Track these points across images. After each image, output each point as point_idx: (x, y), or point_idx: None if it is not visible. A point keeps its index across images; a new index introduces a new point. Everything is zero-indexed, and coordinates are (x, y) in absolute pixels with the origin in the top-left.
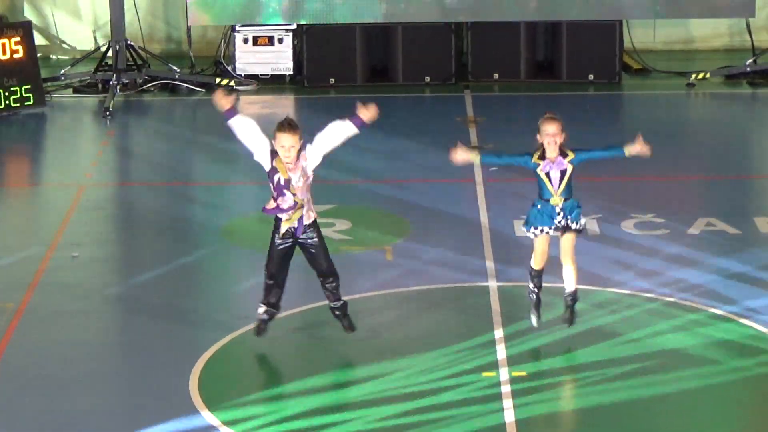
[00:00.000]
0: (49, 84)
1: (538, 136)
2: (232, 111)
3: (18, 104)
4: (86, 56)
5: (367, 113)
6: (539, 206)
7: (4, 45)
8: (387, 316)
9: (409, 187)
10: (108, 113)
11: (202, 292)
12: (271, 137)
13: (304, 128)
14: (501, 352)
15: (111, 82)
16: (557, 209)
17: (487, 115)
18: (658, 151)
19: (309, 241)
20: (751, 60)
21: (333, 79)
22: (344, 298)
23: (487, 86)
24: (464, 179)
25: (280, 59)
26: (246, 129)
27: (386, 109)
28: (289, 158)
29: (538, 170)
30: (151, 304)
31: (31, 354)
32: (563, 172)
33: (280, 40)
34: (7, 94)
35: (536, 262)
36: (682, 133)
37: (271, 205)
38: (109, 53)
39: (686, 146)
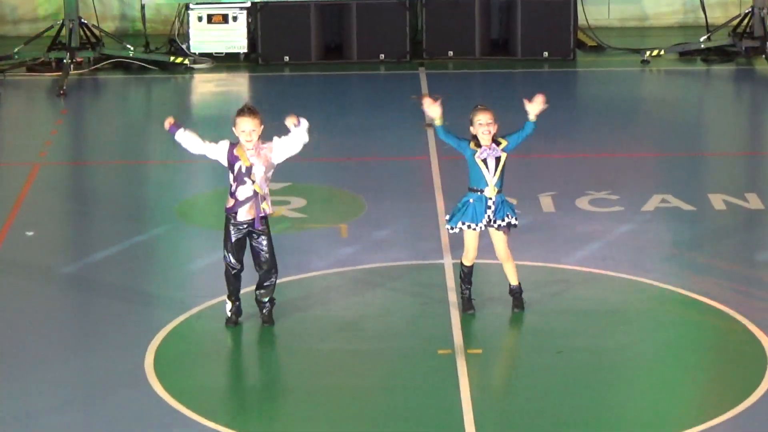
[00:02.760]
0: (2, 63)
1: (471, 128)
2: (175, 126)
3: None
4: (39, 35)
5: (293, 119)
6: (472, 200)
7: None
8: (342, 294)
9: (364, 164)
10: (62, 92)
11: (158, 270)
12: (231, 124)
13: (261, 106)
14: (457, 330)
15: (65, 61)
16: (489, 202)
17: (441, 93)
18: (613, 128)
19: (261, 235)
20: (705, 37)
21: (287, 57)
22: (299, 275)
23: (442, 64)
24: (419, 157)
25: (234, 37)
26: (193, 138)
27: (341, 86)
28: (251, 142)
29: (476, 156)
30: (106, 283)
31: None
32: (498, 159)
33: (235, 18)
34: None
35: (468, 257)
36: (636, 110)
37: (230, 202)
38: (63, 32)
39: (641, 123)
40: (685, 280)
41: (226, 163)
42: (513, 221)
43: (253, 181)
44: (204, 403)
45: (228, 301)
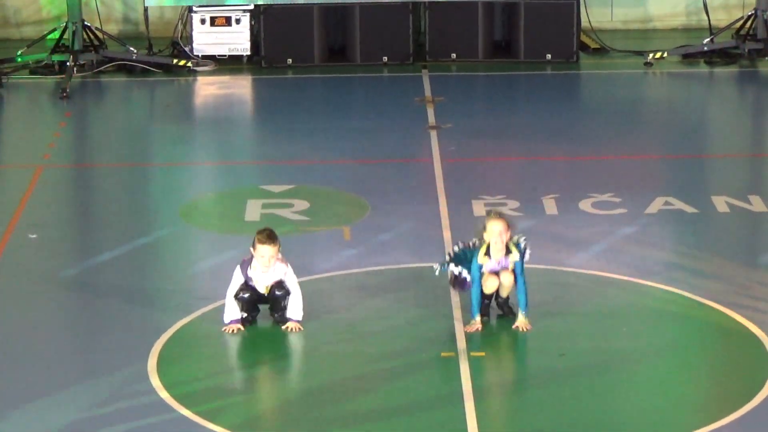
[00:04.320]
0: (5, 65)
1: (484, 234)
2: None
3: None
4: (43, 37)
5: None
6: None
7: None
8: (345, 296)
9: (368, 167)
10: (65, 94)
11: (161, 273)
12: (251, 246)
13: (265, 109)
14: (460, 333)
15: (68, 64)
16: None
17: (444, 95)
18: (616, 131)
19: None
20: (708, 39)
21: (290, 60)
22: (302, 278)
23: (445, 66)
24: (422, 159)
25: (237, 40)
26: (232, 299)
27: (344, 89)
28: (267, 267)
29: (483, 270)
30: (109, 285)
31: None
32: (504, 268)
33: (238, 21)
34: None
35: (486, 287)
36: (639, 113)
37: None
38: (66, 34)
39: (644, 125)
40: (688, 283)
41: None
42: (511, 266)
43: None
44: (207, 406)
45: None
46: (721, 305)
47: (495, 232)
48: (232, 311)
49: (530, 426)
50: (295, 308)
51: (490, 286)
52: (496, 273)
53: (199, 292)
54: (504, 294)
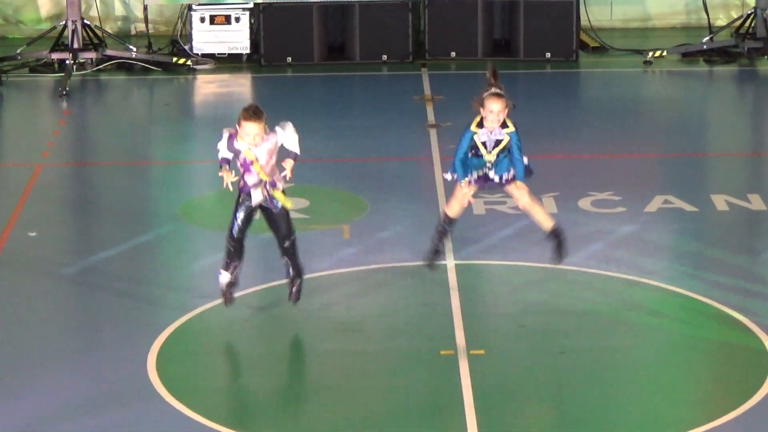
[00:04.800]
0: (4, 64)
1: (481, 109)
2: (225, 161)
3: None
4: (42, 35)
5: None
6: (469, 155)
7: None
8: (345, 294)
9: (367, 165)
10: (64, 93)
11: (160, 271)
12: (236, 121)
13: (264, 107)
14: (459, 331)
15: (67, 62)
16: (488, 164)
17: (444, 94)
18: (615, 129)
19: (274, 209)
20: (707, 38)
21: (290, 58)
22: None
23: (445, 64)
24: (421, 157)
25: (237, 38)
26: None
27: (343, 87)
28: (254, 144)
29: (475, 138)
30: (109, 283)
31: None
32: (498, 141)
33: (237, 19)
34: None
35: (453, 210)
36: (639, 111)
37: (241, 183)
38: (66, 33)
39: (643, 124)
40: (688, 281)
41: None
42: (508, 176)
43: (258, 171)
44: (207, 404)
45: (223, 271)
46: (721, 303)
47: (494, 111)
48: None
49: (529, 424)
50: (290, 140)
51: (460, 206)
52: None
53: (198, 290)
54: (542, 224)
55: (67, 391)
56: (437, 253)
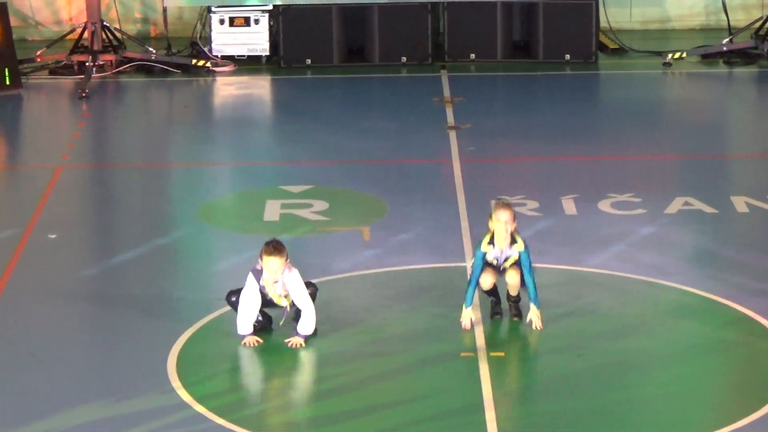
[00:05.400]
0: (25, 66)
1: (489, 223)
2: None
3: None
4: (62, 38)
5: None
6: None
7: None
8: (364, 297)
9: (387, 167)
10: (84, 95)
11: (180, 273)
12: (259, 257)
13: (283, 109)
14: (479, 333)
15: (87, 64)
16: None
17: (463, 95)
18: (635, 131)
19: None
20: (727, 39)
21: (309, 60)
22: (322, 278)
23: (464, 66)
24: (441, 159)
25: (256, 40)
26: (246, 311)
27: (363, 89)
28: (275, 278)
29: (487, 257)
30: (128, 285)
31: (9, 335)
32: (507, 258)
33: (257, 21)
34: None
35: (485, 284)
36: (658, 113)
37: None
38: (85, 34)
39: (663, 126)
40: (708, 283)
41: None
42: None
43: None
44: (225, 405)
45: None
46: (741, 305)
47: (501, 221)
48: (246, 323)
49: (549, 426)
50: (305, 324)
51: (486, 281)
52: (496, 269)
53: (218, 292)
54: (513, 293)
55: (86, 390)
56: (495, 303)
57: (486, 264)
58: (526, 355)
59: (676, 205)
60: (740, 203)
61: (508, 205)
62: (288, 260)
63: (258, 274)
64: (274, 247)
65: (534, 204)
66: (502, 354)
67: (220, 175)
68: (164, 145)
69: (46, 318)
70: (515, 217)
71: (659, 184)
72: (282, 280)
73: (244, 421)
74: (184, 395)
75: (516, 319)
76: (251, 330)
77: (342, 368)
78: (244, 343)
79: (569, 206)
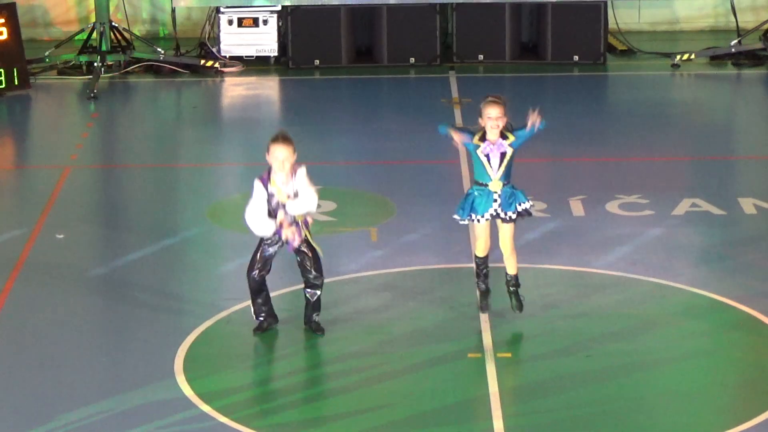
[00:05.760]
0: (33, 66)
1: (479, 120)
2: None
3: (2, 86)
4: (71, 38)
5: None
6: (476, 193)
7: None
8: (371, 298)
9: (394, 168)
10: (93, 95)
11: (188, 273)
12: (266, 152)
13: (291, 110)
14: (486, 334)
15: (95, 64)
16: (495, 195)
17: (472, 96)
18: (643, 132)
19: (302, 251)
20: (735, 41)
21: (318, 61)
22: (329, 279)
23: (472, 67)
24: (449, 160)
25: (264, 41)
26: (257, 211)
27: (371, 90)
28: (284, 171)
29: (478, 151)
30: (136, 285)
31: (17, 335)
32: (503, 155)
33: (265, 22)
34: None
35: (479, 248)
36: (667, 114)
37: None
38: (94, 35)
39: (671, 127)
40: (715, 285)
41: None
42: (527, 206)
43: (286, 213)
44: (233, 406)
45: (255, 318)
46: (748, 307)
47: (492, 117)
48: (265, 226)
49: (556, 426)
50: (298, 203)
51: (480, 246)
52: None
53: (226, 292)
54: (510, 265)
55: (94, 389)
56: (485, 292)
57: (479, 197)
58: (534, 356)
59: (683, 206)
60: (748, 205)
61: (497, 102)
62: (296, 155)
63: (264, 181)
64: (283, 137)
65: (542, 205)
66: (509, 355)
67: (228, 175)
68: (172, 146)
69: (53, 317)
70: (506, 112)
71: (667, 186)
72: (292, 179)
73: (250, 420)
74: (191, 394)
75: (518, 311)
76: (273, 227)
77: (349, 368)
78: (277, 239)
79: (577, 207)
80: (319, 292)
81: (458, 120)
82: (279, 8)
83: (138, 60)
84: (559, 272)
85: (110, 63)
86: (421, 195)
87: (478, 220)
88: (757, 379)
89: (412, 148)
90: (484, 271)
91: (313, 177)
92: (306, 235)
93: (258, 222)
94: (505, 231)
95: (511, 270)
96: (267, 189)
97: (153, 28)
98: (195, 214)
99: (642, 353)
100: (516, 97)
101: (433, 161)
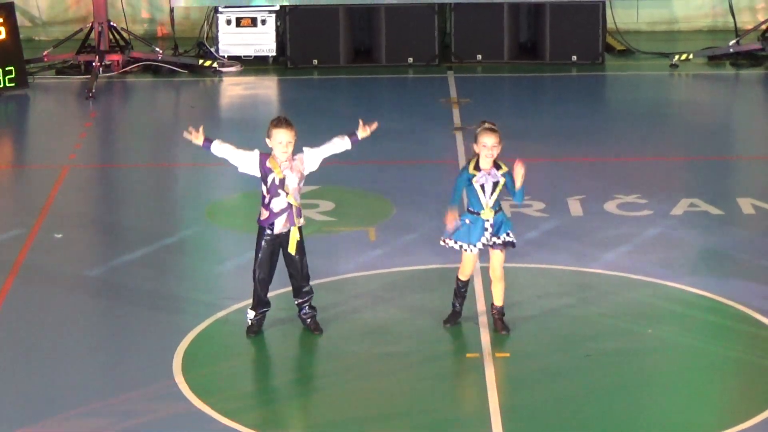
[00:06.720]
0: (31, 65)
1: (474, 146)
2: (207, 142)
3: (0, 86)
4: (69, 37)
5: (365, 133)
6: (468, 221)
7: None
8: (370, 297)
9: (392, 168)
10: (91, 95)
11: (186, 272)
12: (265, 135)
13: (290, 110)
14: (484, 333)
15: (94, 64)
16: (487, 224)
17: (470, 97)
18: (642, 132)
19: (292, 256)
20: (734, 41)
21: (316, 61)
22: (329, 279)
23: (471, 67)
24: (448, 160)
25: (263, 40)
26: (227, 149)
27: (370, 90)
28: (286, 154)
29: (473, 181)
30: (135, 285)
31: (15, 335)
32: (495, 184)
33: (263, 22)
34: None
35: (464, 274)
36: (665, 114)
37: (264, 215)
38: (92, 35)
39: (670, 127)
40: (714, 285)
41: (258, 174)
42: (510, 239)
43: (287, 193)
44: (231, 406)
45: (252, 310)
46: (747, 307)
47: (487, 146)
48: (222, 147)
49: (555, 427)
50: (334, 145)
51: (466, 270)
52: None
53: (224, 292)
54: (497, 290)
55: (92, 390)
56: (457, 313)
57: (473, 225)
58: (532, 356)
59: (682, 206)
60: (746, 205)
61: (493, 130)
62: (296, 138)
63: (264, 157)
64: (284, 120)
65: (540, 205)
66: (508, 354)
67: (227, 174)
68: (171, 145)
69: (52, 317)
70: (500, 141)
71: (665, 186)
72: (296, 161)
73: (248, 420)
74: (189, 394)
75: (504, 333)
76: (217, 145)
77: (347, 368)
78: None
79: (575, 207)
80: (308, 299)
81: (456, 120)
82: (277, 8)
83: (136, 60)
84: (558, 272)
85: (108, 63)
86: (420, 195)
87: (471, 250)
88: (755, 379)
89: (410, 148)
90: (464, 292)
91: (313, 177)
92: (299, 228)
93: (223, 151)
94: (496, 257)
95: (498, 301)
96: (265, 163)
97: (151, 28)
98: (193, 213)
99: (640, 353)
100: (514, 97)
101: (431, 161)
